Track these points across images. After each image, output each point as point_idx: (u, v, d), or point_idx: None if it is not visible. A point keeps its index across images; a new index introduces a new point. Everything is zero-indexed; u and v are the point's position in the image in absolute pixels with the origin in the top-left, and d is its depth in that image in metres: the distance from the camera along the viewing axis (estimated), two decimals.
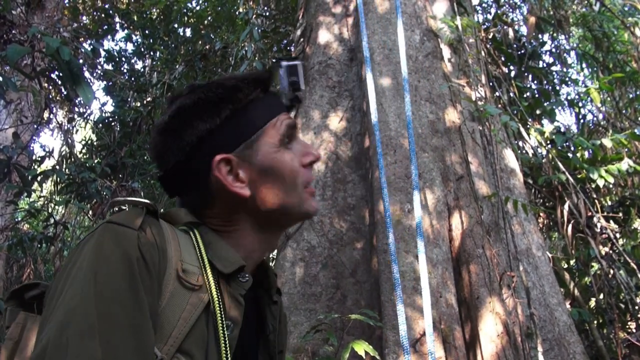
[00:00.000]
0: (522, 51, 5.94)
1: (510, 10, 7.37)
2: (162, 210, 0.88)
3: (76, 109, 8.49)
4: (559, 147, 4.57)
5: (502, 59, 5.53)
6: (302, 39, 4.74)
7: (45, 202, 7.10)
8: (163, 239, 0.79)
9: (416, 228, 2.42)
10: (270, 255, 5.03)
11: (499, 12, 6.80)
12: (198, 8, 8.24)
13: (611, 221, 4.50)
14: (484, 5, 7.50)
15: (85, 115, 8.43)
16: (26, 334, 0.81)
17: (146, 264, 0.72)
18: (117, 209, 0.86)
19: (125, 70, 8.50)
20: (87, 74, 7.84)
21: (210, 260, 0.83)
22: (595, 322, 4.47)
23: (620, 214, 4.73)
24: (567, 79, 6.74)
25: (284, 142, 0.93)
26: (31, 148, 6.58)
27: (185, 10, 8.05)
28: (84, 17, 9.28)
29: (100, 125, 7.37)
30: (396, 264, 2.30)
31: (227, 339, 0.79)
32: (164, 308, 0.74)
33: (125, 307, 0.67)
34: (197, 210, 0.91)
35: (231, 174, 0.88)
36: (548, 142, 4.63)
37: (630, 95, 6.31)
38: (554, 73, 6.46)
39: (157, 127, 0.92)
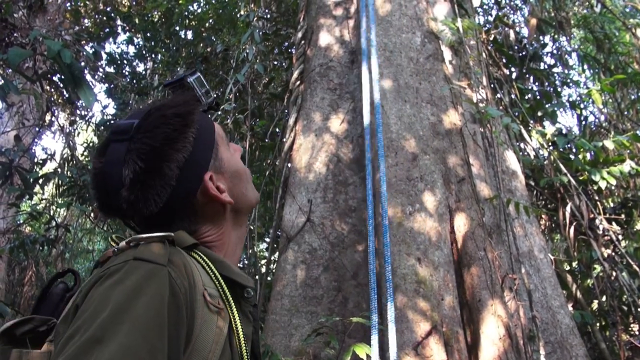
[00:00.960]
0: (524, 53, 5.93)
1: (511, 12, 7.37)
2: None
3: (78, 112, 8.52)
4: (561, 149, 4.56)
5: (503, 60, 5.53)
6: (303, 41, 4.74)
7: (47, 204, 7.10)
8: (189, 268, 0.81)
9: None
10: (272, 258, 5.02)
11: (500, 13, 6.79)
12: (199, 11, 8.25)
13: (613, 223, 4.48)
14: (485, 7, 7.50)
15: (86, 118, 8.47)
16: None
17: (177, 302, 0.74)
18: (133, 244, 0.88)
19: (126, 73, 8.52)
20: (88, 77, 7.86)
21: (225, 281, 0.87)
22: (598, 324, 4.45)
23: (623, 216, 4.72)
24: (568, 80, 6.72)
25: (227, 144, 1.04)
26: (33, 151, 6.60)
27: (186, 13, 8.06)
28: (86, 20, 9.30)
29: (102, 127, 7.39)
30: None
31: (248, 356, 0.85)
32: (198, 334, 0.78)
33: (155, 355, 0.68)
34: (189, 233, 0.93)
35: (216, 188, 0.96)
36: (550, 143, 4.63)
37: (632, 97, 6.30)
38: (555, 75, 6.44)
39: (123, 179, 0.88)
